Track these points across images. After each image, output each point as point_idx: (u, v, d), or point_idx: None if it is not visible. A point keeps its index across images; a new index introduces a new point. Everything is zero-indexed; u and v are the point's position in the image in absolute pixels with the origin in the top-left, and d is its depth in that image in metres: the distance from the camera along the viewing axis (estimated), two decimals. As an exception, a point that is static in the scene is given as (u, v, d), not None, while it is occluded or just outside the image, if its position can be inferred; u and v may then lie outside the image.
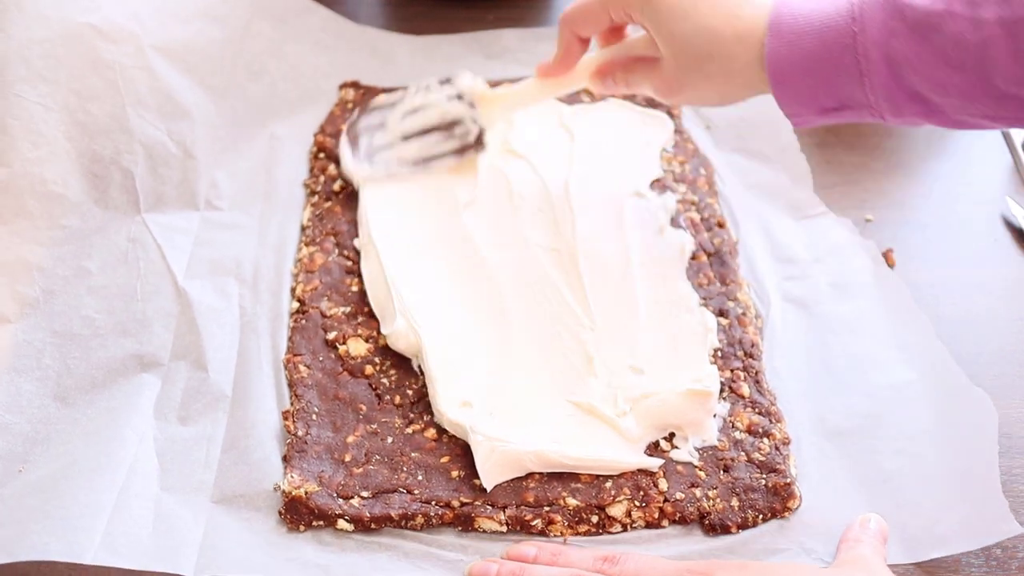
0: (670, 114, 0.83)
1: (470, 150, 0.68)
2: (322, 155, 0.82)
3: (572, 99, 0.85)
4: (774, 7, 0.58)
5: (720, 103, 0.64)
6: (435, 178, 0.77)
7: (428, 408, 0.63)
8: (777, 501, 0.58)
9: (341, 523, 0.57)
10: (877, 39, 0.55)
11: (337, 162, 0.80)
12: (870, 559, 0.53)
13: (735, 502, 0.58)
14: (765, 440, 0.60)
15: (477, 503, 0.58)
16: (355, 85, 0.88)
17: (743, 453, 0.60)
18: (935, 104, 0.56)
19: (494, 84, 0.85)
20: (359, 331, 0.68)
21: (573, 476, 0.59)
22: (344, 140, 0.72)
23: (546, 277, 0.69)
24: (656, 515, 0.57)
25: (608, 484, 0.58)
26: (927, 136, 0.84)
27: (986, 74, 0.54)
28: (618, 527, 0.57)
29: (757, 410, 0.62)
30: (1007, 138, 0.83)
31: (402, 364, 0.66)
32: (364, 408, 0.63)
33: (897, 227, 0.76)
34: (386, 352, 0.66)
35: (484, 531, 0.57)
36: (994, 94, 0.55)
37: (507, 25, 0.94)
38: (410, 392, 0.64)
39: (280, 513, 0.58)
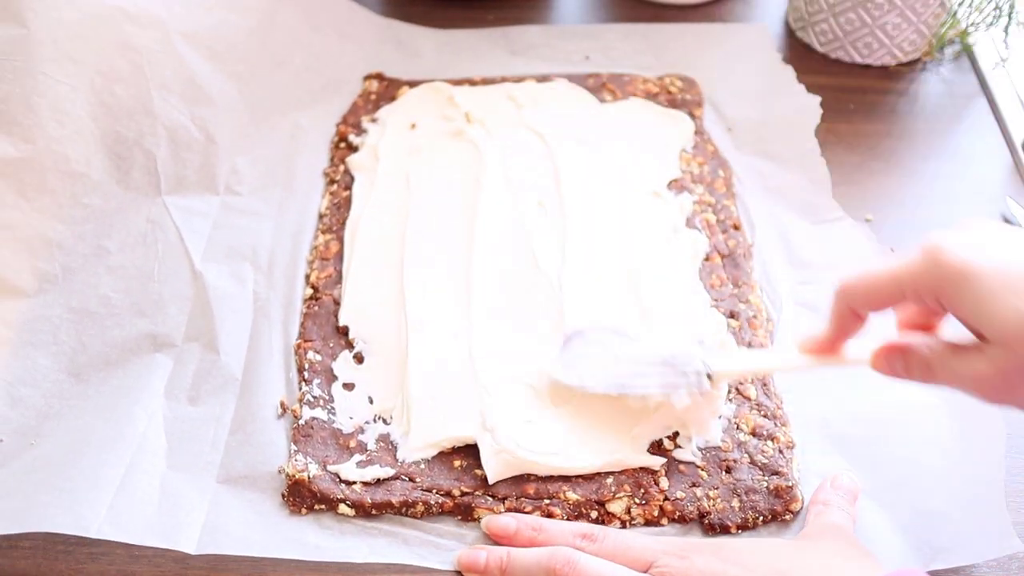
0: (691, 115, 0.83)
1: (683, 390, 0.58)
2: (343, 144, 0.82)
3: (595, 89, 0.85)
4: None
5: None
6: (438, 170, 0.77)
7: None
8: (778, 503, 0.57)
9: (342, 508, 0.58)
10: None
11: (356, 150, 0.81)
12: (840, 526, 0.54)
13: (736, 503, 0.58)
14: (769, 443, 0.60)
15: (478, 493, 0.58)
16: (379, 77, 0.88)
17: (746, 455, 0.60)
18: None
19: (518, 80, 0.86)
20: (370, 319, 0.68)
21: (574, 471, 0.59)
22: (564, 336, 0.65)
23: (553, 275, 0.69)
24: (656, 513, 0.57)
25: (609, 480, 0.58)
26: (927, 136, 0.83)
27: None
28: (617, 523, 0.57)
29: (763, 413, 0.62)
30: (1007, 138, 0.82)
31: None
32: (371, 395, 0.64)
33: (897, 227, 0.75)
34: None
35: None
36: None
37: (507, 25, 0.94)
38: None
39: (283, 496, 0.59)
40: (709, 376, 0.58)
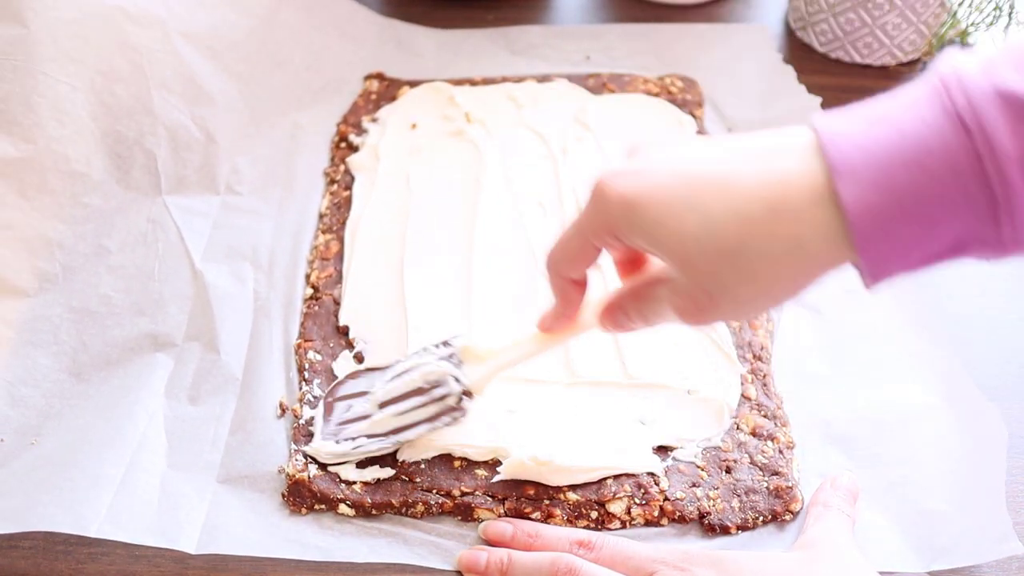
0: (692, 115, 0.83)
1: (445, 416, 0.58)
2: (343, 144, 0.82)
3: (595, 89, 0.85)
4: (822, 145, 0.40)
5: (770, 304, 0.46)
6: (438, 170, 0.77)
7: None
8: (778, 504, 0.57)
9: (343, 508, 0.58)
10: (1011, 153, 0.38)
11: (356, 150, 0.81)
12: (836, 532, 0.53)
13: (736, 503, 0.58)
14: (769, 443, 0.60)
15: (477, 494, 0.58)
16: (380, 76, 0.88)
17: (746, 455, 0.60)
18: None
19: (518, 80, 0.86)
20: (370, 319, 0.68)
21: (574, 471, 0.59)
22: (320, 407, 0.62)
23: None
24: (656, 513, 0.57)
25: (609, 480, 0.58)
26: None
27: None
28: (617, 523, 0.57)
29: (763, 413, 0.62)
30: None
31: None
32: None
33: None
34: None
35: (483, 521, 0.58)
36: None
37: (507, 25, 0.94)
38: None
39: (283, 495, 0.59)
40: (466, 393, 0.57)
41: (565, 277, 0.51)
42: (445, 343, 0.59)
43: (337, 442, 0.59)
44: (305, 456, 0.59)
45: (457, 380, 0.57)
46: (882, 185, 0.39)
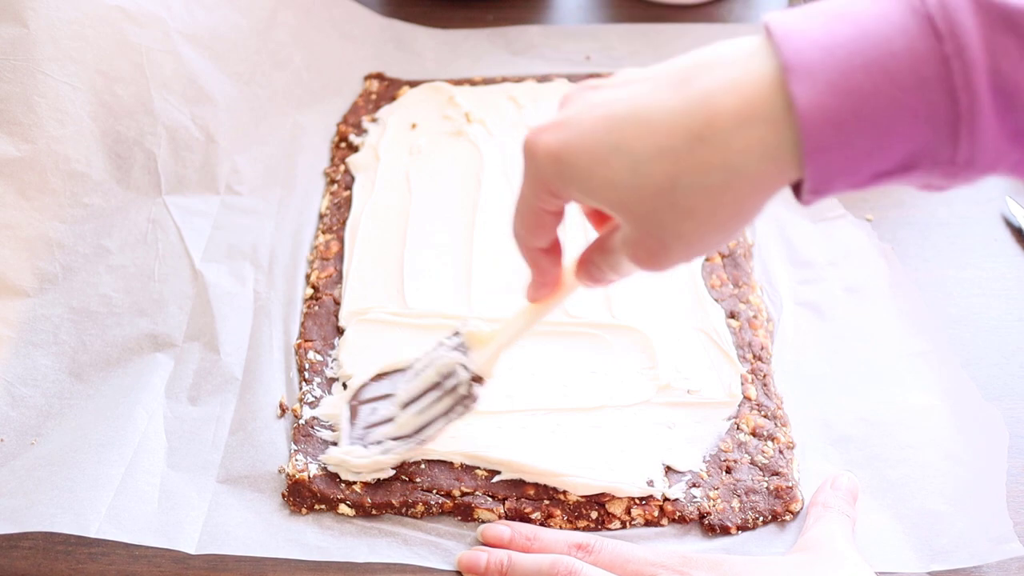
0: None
1: (458, 406, 0.56)
2: (343, 144, 0.82)
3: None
4: (776, 42, 0.37)
5: (722, 238, 0.42)
6: (438, 170, 0.77)
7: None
8: (779, 504, 0.57)
9: (343, 508, 0.58)
10: (981, 63, 0.35)
11: (356, 150, 0.81)
12: (835, 534, 0.53)
13: (736, 503, 0.58)
14: (769, 443, 0.60)
15: (477, 494, 0.58)
16: (380, 77, 0.88)
17: (747, 455, 0.60)
18: None
19: (518, 80, 0.86)
20: (370, 319, 0.68)
21: (574, 471, 0.59)
22: (344, 412, 0.61)
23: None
24: (656, 513, 0.57)
25: (609, 480, 0.58)
26: None
27: None
28: (617, 524, 0.57)
29: (763, 413, 0.62)
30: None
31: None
32: (371, 395, 0.64)
33: (897, 227, 0.75)
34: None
35: (483, 521, 0.58)
36: None
37: (507, 25, 0.94)
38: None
39: (283, 496, 0.59)
40: (476, 379, 0.56)
41: (532, 248, 0.49)
42: (456, 333, 0.58)
43: (365, 447, 0.58)
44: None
45: (465, 368, 0.56)
46: (839, 87, 0.36)
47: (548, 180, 0.43)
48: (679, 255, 0.42)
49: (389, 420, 0.59)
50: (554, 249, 0.49)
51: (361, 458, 0.58)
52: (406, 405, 0.58)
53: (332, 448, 0.59)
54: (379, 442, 0.58)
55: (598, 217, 0.49)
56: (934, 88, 0.35)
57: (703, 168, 0.38)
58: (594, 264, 0.48)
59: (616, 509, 0.57)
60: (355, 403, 0.61)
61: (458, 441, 0.59)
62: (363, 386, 0.62)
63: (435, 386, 0.57)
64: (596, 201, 0.42)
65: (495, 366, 0.56)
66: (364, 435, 0.59)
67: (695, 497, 0.58)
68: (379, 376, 0.62)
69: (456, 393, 0.56)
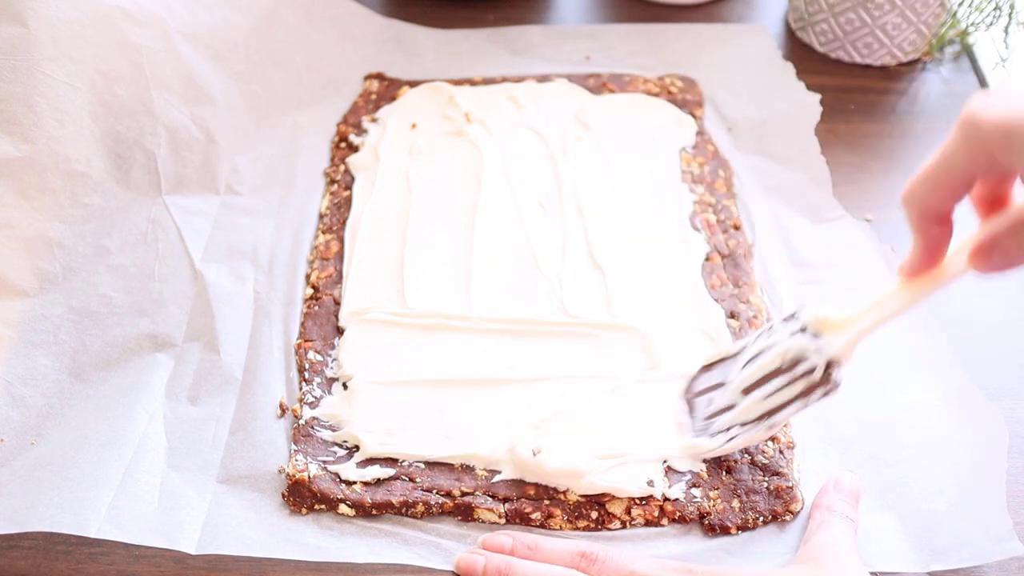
0: (692, 115, 0.83)
1: (817, 390, 0.54)
2: (343, 144, 0.82)
3: (595, 89, 0.85)
4: None
5: None
6: (438, 170, 0.77)
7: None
8: (779, 504, 0.57)
9: (343, 508, 0.58)
10: None
11: (356, 150, 0.81)
12: (840, 543, 0.53)
13: (736, 503, 0.58)
14: (770, 443, 0.60)
15: (478, 494, 0.58)
16: (380, 77, 0.88)
17: (747, 455, 0.60)
18: None
19: (518, 80, 0.86)
20: (370, 319, 0.68)
21: (575, 471, 0.59)
22: (682, 406, 0.61)
23: (553, 275, 0.69)
24: (656, 513, 0.57)
25: (609, 480, 0.58)
26: (927, 136, 0.84)
27: None
28: (617, 524, 0.57)
29: (764, 413, 0.62)
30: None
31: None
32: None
33: (897, 227, 0.75)
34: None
35: (483, 521, 0.58)
36: None
37: (507, 25, 0.94)
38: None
39: (283, 496, 0.59)
40: (832, 364, 0.53)
41: (926, 212, 0.47)
42: (792, 316, 0.56)
43: (711, 436, 0.58)
44: (305, 457, 0.59)
45: (818, 352, 0.54)
46: None
47: (993, 148, 0.42)
48: None
49: (728, 408, 0.58)
50: (947, 220, 0.48)
51: (709, 449, 0.58)
52: (747, 391, 0.57)
53: (678, 439, 0.59)
54: (725, 430, 0.58)
55: (991, 206, 0.47)
56: None
57: None
58: (1002, 248, 0.46)
59: (616, 509, 0.57)
60: (689, 396, 0.61)
61: (458, 441, 0.59)
62: (693, 379, 0.61)
63: (777, 372, 0.56)
64: None
65: (854, 351, 0.54)
66: (706, 426, 0.59)
67: (695, 497, 0.58)
68: (707, 367, 0.61)
69: (809, 378, 0.54)
